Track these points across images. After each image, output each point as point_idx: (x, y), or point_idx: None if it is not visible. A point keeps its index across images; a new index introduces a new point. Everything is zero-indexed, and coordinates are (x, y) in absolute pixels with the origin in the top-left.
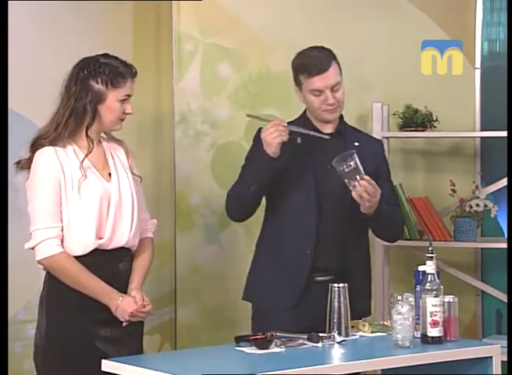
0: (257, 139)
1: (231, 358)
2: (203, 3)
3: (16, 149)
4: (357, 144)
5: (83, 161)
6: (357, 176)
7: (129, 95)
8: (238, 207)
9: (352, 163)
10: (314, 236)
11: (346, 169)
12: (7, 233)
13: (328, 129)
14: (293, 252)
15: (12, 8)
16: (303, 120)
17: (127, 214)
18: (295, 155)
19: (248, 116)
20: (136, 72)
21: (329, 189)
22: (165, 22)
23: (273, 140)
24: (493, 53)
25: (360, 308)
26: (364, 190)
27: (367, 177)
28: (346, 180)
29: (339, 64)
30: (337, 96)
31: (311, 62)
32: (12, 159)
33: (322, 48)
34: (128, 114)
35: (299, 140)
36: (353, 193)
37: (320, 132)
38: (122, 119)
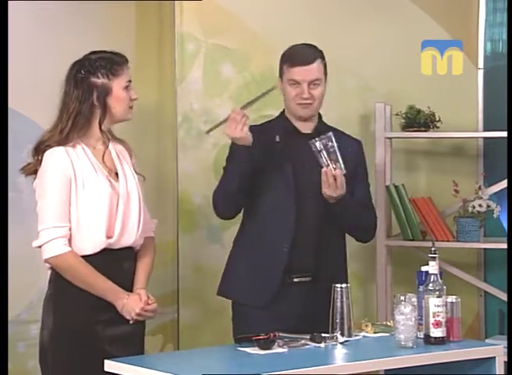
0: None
1: (233, 358)
2: (205, 3)
3: (17, 149)
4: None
5: (103, 157)
6: (326, 161)
7: (130, 81)
8: (225, 203)
9: (322, 145)
10: (291, 234)
11: (317, 149)
12: (7, 233)
13: (307, 129)
14: (269, 250)
15: (13, 8)
16: (281, 119)
17: (135, 214)
18: (273, 154)
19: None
20: (127, 59)
21: (307, 188)
22: (167, 22)
23: (241, 132)
24: (496, 53)
25: None
26: (324, 174)
27: (329, 168)
28: (319, 160)
29: (325, 65)
30: (314, 92)
31: (297, 53)
32: (12, 159)
33: (313, 46)
34: (134, 99)
35: (278, 138)
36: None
37: (298, 131)
38: (131, 107)
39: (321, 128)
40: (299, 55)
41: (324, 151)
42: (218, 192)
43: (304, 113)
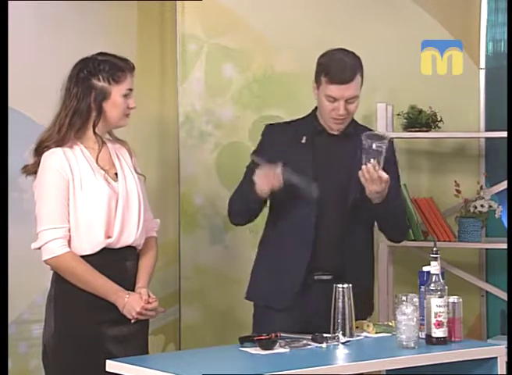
0: (264, 135)
1: (235, 358)
2: (207, 3)
3: (18, 148)
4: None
5: (97, 159)
6: (372, 160)
7: (130, 89)
8: (238, 213)
9: (375, 146)
10: (311, 238)
11: (368, 147)
12: (7, 233)
13: (335, 131)
14: (291, 252)
15: (15, 8)
16: (311, 119)
17: (134, 213)
18: (297, 156)
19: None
20: (133, 66)
21: (332, 191)
22: (169, 22)
23: (263, 187)
24: (498, 53)
25: (363, 309)
26: (366, 171)
27: (373, 163)
28: (363, 156)
29: (362, 76)
30: (350, 108)
31: (337, 68)
32: (13, 158)
33: (354, 55)
34: (132, 108)
35: (304, 139)
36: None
37: (326, 132)
38: (128, 115)
39: (350, 129)
40: (339, 71)
41: (374, 151)
42: (236, 200)
43: (336, 127)
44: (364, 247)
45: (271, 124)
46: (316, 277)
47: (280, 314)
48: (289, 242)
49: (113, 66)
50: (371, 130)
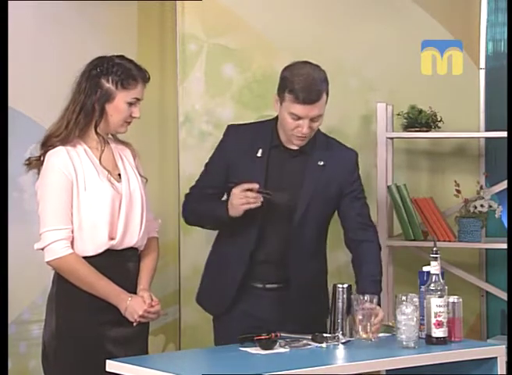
0: (225, 136)
1: (235, 358)
2: (207, 3)
3: (18, 148)
4: (321, 163)
5: (100, 159)
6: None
7: (138, 99)
8: (195, 222)
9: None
10: (250, 248)
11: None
12: (7, 233)
13: (294, 146)
14: (230, 261)
15: (15, 8)
16: (270, 129)
17: (137, 214)
18: (252, 171)
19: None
20: (149, 77)
21: (281, 206)
22: (169, 22)
23: (240, 206)
24: (498, 53)
25: (320, 315)
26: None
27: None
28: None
29: (327, 92)
30: (313, 126)
31: (304, 87)
32: (13, 159)
33: (319, 70)
34: (135, 118)
35: (260, 153)
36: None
37: (282, 146)
38: (129, 123)
39: (309, 147)
40: (306, 91)
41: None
42: (197, 209)
43: (298, 144)
44: (311, 259)
45: (233, 125)
46: (268, 286)
47: (231, 320)
48: (231, 252)
49: (126, 72)
50: (333, 143)
